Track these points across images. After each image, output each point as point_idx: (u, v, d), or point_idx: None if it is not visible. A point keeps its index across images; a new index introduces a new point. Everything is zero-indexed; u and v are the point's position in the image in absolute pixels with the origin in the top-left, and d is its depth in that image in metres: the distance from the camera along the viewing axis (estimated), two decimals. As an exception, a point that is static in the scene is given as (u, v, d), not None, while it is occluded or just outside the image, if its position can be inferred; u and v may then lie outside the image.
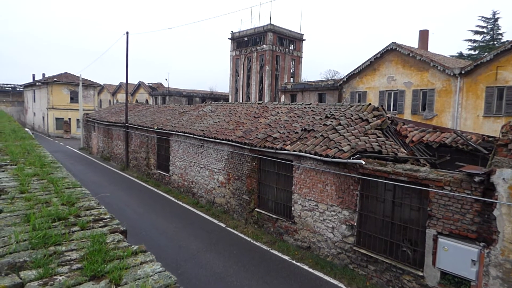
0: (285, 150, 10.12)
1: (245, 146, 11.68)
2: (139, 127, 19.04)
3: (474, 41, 43.06)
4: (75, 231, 1.64)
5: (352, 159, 8.30)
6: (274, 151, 10.49)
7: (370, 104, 11.71)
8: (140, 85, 51.17)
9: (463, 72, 23.16)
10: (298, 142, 10.18)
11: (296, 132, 10.87)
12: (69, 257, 1.37)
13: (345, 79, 30.89)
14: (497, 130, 21.04)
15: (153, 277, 1.26)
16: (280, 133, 11.37)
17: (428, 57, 25.59)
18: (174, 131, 15.76)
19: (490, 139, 11.00)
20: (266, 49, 42.83)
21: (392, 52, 27.27)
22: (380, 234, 8.07)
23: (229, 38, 47.44)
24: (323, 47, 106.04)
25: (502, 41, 40.86)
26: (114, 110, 26.85)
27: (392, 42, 26.95)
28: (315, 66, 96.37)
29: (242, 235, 11.09)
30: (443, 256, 6.87)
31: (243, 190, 12.15)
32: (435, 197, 6.96)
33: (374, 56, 28.38)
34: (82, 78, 34.08)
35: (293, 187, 10.15)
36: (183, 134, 15.12)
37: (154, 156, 17.95)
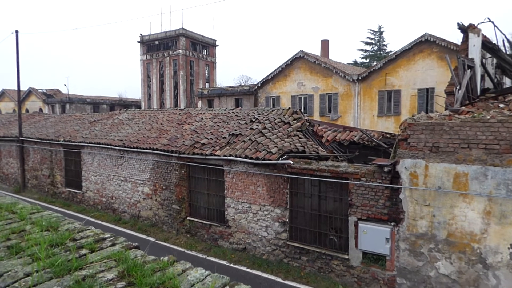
0: (215, 155, 10.19)
1: (172, 154, 11.34)
2: (38, 140, 16.65)
3: (365, 50, 49.70)
4: (85, 254, 1.47)
5: (281, 160, 8.86)
6: (203, 157, 10.45)
7: (289, 108, 12.62)
8: (31, 91, 44.49)
9: (360, 78, 26.53)
10: (227, 147, 10.36)
11: (224, 137, 11.04)
12: (105, 278, 1.25)
13: (259, 85, 32.30)
14: (388, 127, 24.81)
15: (207, 279, 1.26)
16: (207, 139, 11.37)
17: (331, 64, 28.59)
18: (87, 143, 14.29)
19: (387, 135, 12.97)
20: (179, 54, 41.95)
21: (300, 59, 29.59)
22: (309, 226, 8.80)
23: (138, 42, 44.98)
24: (234, 52, 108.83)
25: (386, 51, 48.19)
26: (0, 123, 22.87)
27: (300, 51, 29.32)
28: (228, 71, 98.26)
29: (175, 246, 10.72)
30: (363, 239, 7.88)
31: (172, 199, 11.75)
32: (353, 188, 7.94)
33: (284, 63, 30.42)
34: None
35: (225, 191, 10.28)
36: (98, 145, 13.84)
37: (61, 172, 15.92)
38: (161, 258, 1.50)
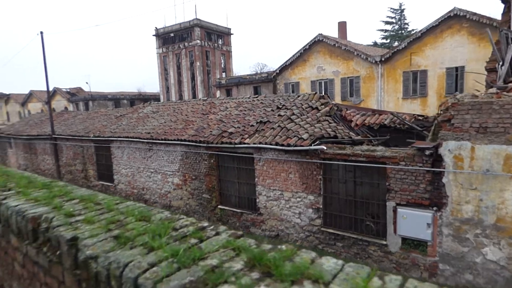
0: (244, 144, 10.12)
1: (201, 144, 11.38)
2: (70, 137, 17.14)
3: (386, 30, 47.93)
4: (196, 243, 1.43)
5: (313, 145, 8.69)
6: (233, 146, 10.42)
7: (316, 93, 12.34)
8: (56, 91, 45.83)
9: (383, 59, 25.62)
10: (256, 135, 10.27)
11: (252, 125, 10.95)
12: (234, 268, 1.19)
13: (278, 71, 31.86)
14: (415, 110, 23.92)
15: (346, 269, 1.17)
16: (235, 127, 11.31)
17: (352, 46, 27.73)
18: (115, 137, 14.57)
19: (419, 117, 12.50)
20: (195, 45, 41.87)
21: (319, 43, 28.85)
22: (344, 212, 8.65)
23: (153, 35, 45.17)
24: (248, 40, 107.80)
25: (408, 30, 46.33)
26: (32, 122, 23.68)
27: (319, 34, 28.57)
28: (243, 60, 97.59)
29: (208, 235, 10.84)
30: (403, 224, 7.67)
31: (202, 189, 11.86)
32: (392, 173, 7.69)
33: (303, 47, 29.75)
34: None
35: (256, 179, 10.24)
36: (127, 139, 14.08)
37: (93, 166, 16.38)
38: (279, 246, 1.42)
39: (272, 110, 11.79)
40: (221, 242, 1.44)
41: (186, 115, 14.36)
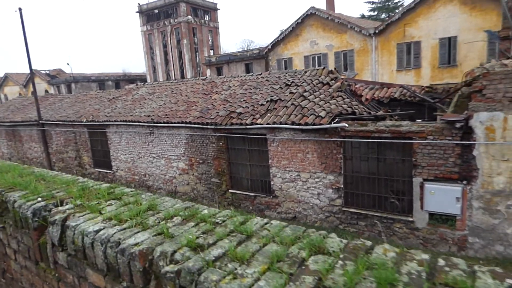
0: (257, 124, 9.65)
1: (208, 126, 10.83)
2: (60, 122, 16.17)
3: (373, 2, 46.98)
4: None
5: (333, 123, 8.31)
6: (244, 127, 9.92)
7: (324, 67, 11.84)
8: (34, 73, 43.44)
9: (377, 31, 25.09)
10: (268, 114, 9.79)
11: (262, 104, 10.43)
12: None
13: (270, 47, 30.95)
14: (409, 82, 23.73)
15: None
16: (243, 107, 10.77)
17: (345, 19, 26.99)
18: (112, 121, 13.78)
19: (428, 89, 12.24)
20: (181, 21, 40.04)
21: (312, 16, 27.97)
22: (367, 191, 8.43)
23: (136, 12, 42.88)
24: (233, 16, 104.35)
25: (395, 1, 45.50)
26: (13, 107, 22.30)
27: (311, 7, 27.61)
28: (229, 36, 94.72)
29: (221, 220, 10.54)
30: (430, 200, 7.51)
31: (210, 173, 11.42)
32: (418, 148, 7.44)
33: (295, 21, 28.82)
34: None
35: (270, 161, 9.86)
36: (124, 123, 13.33)
37: (87, 153, 15.60)
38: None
39: (280, 87, 11.25)
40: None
41: (186, 95, 13.65)
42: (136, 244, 1.30)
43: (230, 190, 11.04)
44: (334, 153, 8.64)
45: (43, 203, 1.83)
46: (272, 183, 10.00)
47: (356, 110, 9.19)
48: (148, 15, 42.54)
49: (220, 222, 1.48)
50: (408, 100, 11.50)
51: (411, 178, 7.68)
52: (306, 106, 9.32)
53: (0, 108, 23.78)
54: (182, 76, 41.86)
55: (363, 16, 48.11)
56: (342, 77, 11.63)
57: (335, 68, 12.12)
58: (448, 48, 23.23)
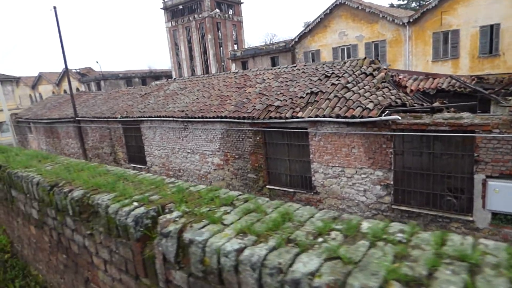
0: (297, 118, 9.25)
1: (245, 121, 10.54)
2: (95, 119, 16.44)
3: (403, -10, 45.04)
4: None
5: (383, 115, 7.79)
6: (284, 120, 9.56)
7: (365, 57, 11.24)
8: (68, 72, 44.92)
9: (411, 20, 23.90)
10: (309, 107, 9.37)
11: (301, 97, 10.01)
12: None
13: (297, 39, 30.30)
14: (446, 73, 22.47)
15: None
16: (280, 100, 10.40)
17: (376, 8, 25.92)
18: (146, 117, 13.80)
19: (479, 79, 11.37)
20: (205, 16, 39.96)
21: (341, 6, 27.07)
22: (419, 188, 7.88)
23: (161, 8, 43.21)
24: (254, 9, 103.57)
25: (427, -12, 43.34)
26: (50, 105, 23.01)
27: (341, -4, 26.69)
28: (251, 30, 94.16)
29: (259, 216, 10.28)
30: (494, 198, 6.88)
31: (247, 168, 11.16)
32: (482, 142, 6.81)
33: (323, 12, 28.02)
34: (-4, 71, 28.42)
35: (311, 156, 9.46)
36: (158, 118, 13.30)
37: (122, 149, 15.77)
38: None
39: (319, 79, 10.77)
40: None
41: (219, 90, 13.43)
42: (311, 274, 0.98)
43: (267, 186, 10.75)
44: (383, 148, 8.12)
45: (142, 209, 1.56)
46: (313, 179, 9.61)
47: (406, 102, 8.60)
48: (172, 11, 42.77)
49: (414, 244, 1.13)
50: (458, 92, 10.73)
51: (472, 175, 7.07)
52: (350, 98, 8.83)
53: (37, 106, 24.63)
54: (207, 71, 41.91)
55: (391, 6, 46.32)
56: (385, 67, 11.00)
57: (376, 58, 11.48)
58: (490, 37, 21.79)
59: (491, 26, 21.36)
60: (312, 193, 9.70)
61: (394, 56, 25.62)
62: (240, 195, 1.77)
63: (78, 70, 44.93)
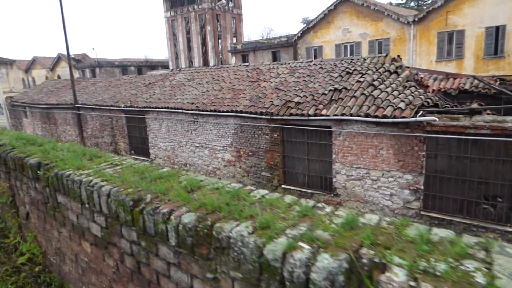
0: (321, 115, 8.76)
1: (262, 116, 10.00)
2: (96, 107, 15.61)
3: (404, -11, 44.85)
4: None
5: (418, 116, 7.37)
6: (306, 118, 9.06)
7: (387, 54, 10.81)
8: (60, 57, 43.34)
9: (416, 19, 23.64)
10: (334, 105, 8.88)
11: (323, 94, 9.51)
12: None
13: (299, 35, 29.76)
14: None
15: None
16: (300, 96, 9.89)
17: (381, 6, 25.59)
18: (152, 108, 13.10)
19: (501, 80, 11.08)
20: (205, 7, 38.93)
21: (345, 2, 26.63)
22: (452, 194, 7.51)
23: (160, -4, 41.90)
24: (250, 2, 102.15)
25: (429, -12, 43.20)
26: (47, 90, 21.93)
27: (345, -8, 26.22)
28: (248, 24, 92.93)
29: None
30: (534, 208, 6.56)
31: (261, 166, 10.65)
32: (527, 148, 6.46)
33: (327, 8, 27.54)
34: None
35: (334, 156, 9.00)
36: (166, 109, 12.63)
37: (124, 139, 15.03)
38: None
39: (340, 75, 10.28)
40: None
41: (230, 82, 12.82)
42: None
43: (282, 186, 10.26)
44: (415, 150, 7.72)
45: (331, 261, 1.01)
46: (334, 180, 9.16)
47: (437, 103, 8.20)
48: (172, 1, 41.56)
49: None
50: (482, 93, 10.40)
51: (513, 182, 6.73)
52: (379, 97, 8.38)
53: (33, 91, 23.53)
54: (205, 63, 40.97)
55: (390, 4, 46.09)
56: (407, 66, 10.59)
57: (398, 56, 11.05)
58: (495, 38, 21.67)
59: (497, 28, 21.25)
60: (332, 195, 9.26)
61: (398, 54, 25.32)
62: (319, 206, 1.23)
63: (73, 56, 43.35)
